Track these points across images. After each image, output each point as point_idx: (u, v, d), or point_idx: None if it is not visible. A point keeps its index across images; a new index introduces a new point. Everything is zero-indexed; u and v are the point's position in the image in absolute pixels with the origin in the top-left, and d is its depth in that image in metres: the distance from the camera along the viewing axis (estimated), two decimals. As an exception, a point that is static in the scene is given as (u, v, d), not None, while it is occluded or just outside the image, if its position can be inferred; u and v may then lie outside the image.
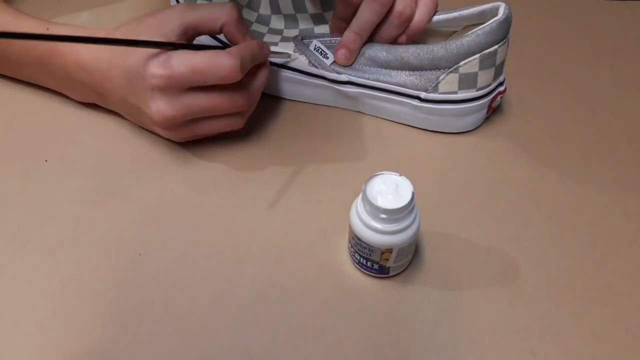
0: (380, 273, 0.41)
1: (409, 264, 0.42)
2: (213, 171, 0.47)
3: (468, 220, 0.44)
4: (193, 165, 0.47)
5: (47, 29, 0.46)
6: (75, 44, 0.45)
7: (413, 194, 0.37)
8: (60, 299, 0.40)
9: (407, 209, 0.37)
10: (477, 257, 0.42)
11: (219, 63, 0.40)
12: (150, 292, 0.40)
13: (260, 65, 0.46)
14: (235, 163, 0.48)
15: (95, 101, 0.49)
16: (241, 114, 0.45)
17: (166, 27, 0.42)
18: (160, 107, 0.42)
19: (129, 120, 0.50)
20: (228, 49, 0.42)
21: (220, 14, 0.43)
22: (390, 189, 0.38)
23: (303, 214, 0.45)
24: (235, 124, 0.45)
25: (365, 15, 0.46)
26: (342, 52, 0.48)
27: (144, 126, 0.48)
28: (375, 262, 0.39)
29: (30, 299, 0.40)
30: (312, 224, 0.44)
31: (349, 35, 0.47)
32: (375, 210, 0.36)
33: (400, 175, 0.38)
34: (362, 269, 0.41)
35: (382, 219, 0.37)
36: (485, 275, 0.42)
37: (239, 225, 0.44)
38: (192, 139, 0.47)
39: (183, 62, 0.40)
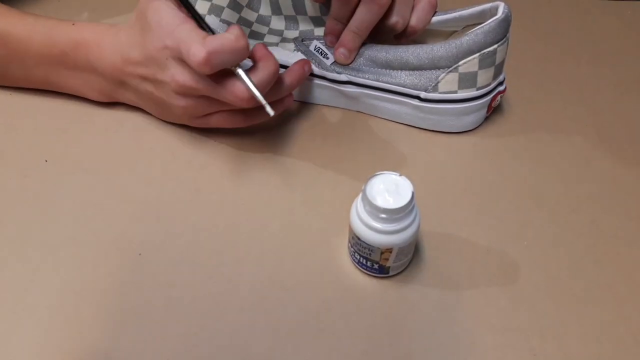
0: (380, 273, 0.41)
1: (408, 264, 0.42)
2: (213, 171, 0.47)
3: (468, 220, 0.44)
4: (193, 165, 0.47)
5: (73, 24, 0.47)
6: (97, 33, 0.46)
7: (413, 193, 0.37)
8: (60, 298, 0.40)
9: (407, 209, 0.37)
10: (477, 257, 0.42)
11: (189, 46, 0.39)
12: (150, 292, 0.40)
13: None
14: (235, 163, 0.48)
15: (113, 94, 0.49)
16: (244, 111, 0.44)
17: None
18: (174, 73, 0.42)
19: (129, 121, 0.50)
20: (212, 37, 0.40)
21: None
22: (390, 189, 0.38)
23: (303, 214, 0.45)
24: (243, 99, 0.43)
25: (364, 15, 0.46)
26: (341, 51, 0.48)
27: (163, 107, 0.47)
28: (375, 261, 0.39)
29: (30, 299, 0.40)
30: (312, 224, 0.44)
31: (348, 34, 0.47)
32: (375, 210, 0.36)
33: (400, 175, 0.38)
34: (362, 269, 0.41)
35: (382, 218, 0.37)
36: (485, 275, 0.42)
37: (239, 225, 0.44)
38: (204, 122, 0.47)
39: (175, 36, 0.41)
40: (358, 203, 0.38)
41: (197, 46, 0.39)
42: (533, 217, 0.45)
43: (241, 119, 0.46)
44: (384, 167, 0.46)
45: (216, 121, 0.46)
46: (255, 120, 0.46)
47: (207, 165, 0.47)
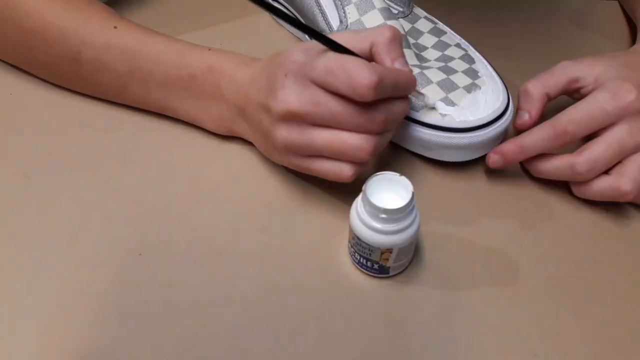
0: (380, 273, 0.41)
1: (409, 264, 0.42)
2: (213, 171, 0.47)
3: (468, 220, 0.44)
4: (193, 166, 0.47)
5: (209, 49, 0.46)
6: (234, 61, 0.44)
7: (413, 193, 0.37)
8: (60, 299, 0.40)
9: (407, 209, 0.37)
10: (477, 257, 0.42)
11: (356, 70, 0.36)
12: (150, 292, 0.40)
13: (402, 97, 0.41)
14: (235, 163, 0.48)
15: (231, 125, 0.46)
16: (368, 137, 0.39)
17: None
18: (286, 94, 0.38)
19: (129, 121, 0.49)
20: (375, 64, 0.38)
21: (372, 34, 0.40)
22: (390, 189, 0.38)
23: (303, 214, 0.45)
24: (359, 147, 0.39)
25: (537, 139, 0.43)
26: (495, 158, 0.44)
27: (266, 139, 0.42)
28: (375, 262, 0.39)
29: (30, 299, 0.40)
30: (312, 224, 0.44)
31: (510, 146, 0.44)
32: (375, 210, 0.36)
33: (400, 175, 0.38)
34: (362, 269, 0.41)
35: (382, 219, 0.37)
36: (485, 275, 0.42)
37: (239, 225, 0.44)
38: (305, 164, 0.41)
39: (323, 56, 0.38)
40: (358, 203, 0.38)
41: (365, 68, 0.36)
42: (533, 217, 0.45)
43: (348, 167, 0.40)
44: (384, 168, 0.46)
45: (319, 165, 0.41)
46: (362, 167, 0.41)
47: (207, 166, 0.47)
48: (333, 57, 0.38)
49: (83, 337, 0.38)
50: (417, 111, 0.45)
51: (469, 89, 0.45)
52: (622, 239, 0.44)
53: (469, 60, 0.48)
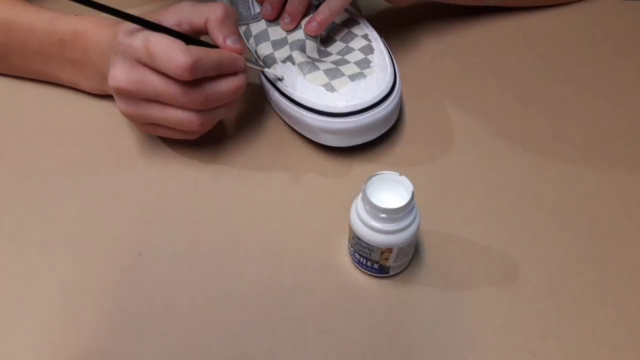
0: (380, 273, 0.41)
1: (408, 264, 0.42)
2: (213, 171, 0.47)
3: (468, 220, 0.44)
4: (193, 166, 0.47)
5: (76, 15, 0.47)
6: (97, 24, 0.46)
7: (413, 193, 0.37)
8: (60, 299, 0.40)
9: (407, 209, 0.37)
10: (477, 257, 0.42)
11: (172, 54, 0.39)
12: (150, 292, 0.40)
13: (233, 74, 0.43)
14: (235, 163, 0.48)
15: (105, 87, 0.48)
16: (196, 113, 0.42)
17: (167, 19, 0.42)
18: (116, 72, 0.41)
19: (130, 121, 0.50)
20: (193, 47, 0.40)
21: (206, 10, 0.43)
22: (390, 189, 0.38)
23: (303, 214, 0.45)
24: (189, 122, 0.42)
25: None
26: (313, 26, 0.48)
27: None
28: (375, 261, 0.39)
29: (30, 299, 0.40)
30: (312, 224, 0.44)
31: (325, 10, 0.48)
32: (375, 210, 0.36)
33: (400, 174, 0.38)
34: (362, 269, 0.41)
35: (382, 218, 0.37)
36: (485, 275, 0.42)
37: (239, 225, 0.44)
38: (150, 130, 0.45)
39: (144, 38, 0.40)
40: (358, 203, 0.38)
41: (180, 51, 0.39)
42: (533, 217, 0.45)
43: (185, 134, 0.45)
44: (384, 167, 0.46)
45: (162, 132, 0.45)
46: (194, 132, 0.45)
47: (207, 165, 0.47)
48: (153, 38, 0.40)
49: (83, 337, 0.38)
50: (274, 82, 0.48)
51: (354, 77, 0.46)
52: (622, 239, 0.44)
53: (368, 50, 0.49)
